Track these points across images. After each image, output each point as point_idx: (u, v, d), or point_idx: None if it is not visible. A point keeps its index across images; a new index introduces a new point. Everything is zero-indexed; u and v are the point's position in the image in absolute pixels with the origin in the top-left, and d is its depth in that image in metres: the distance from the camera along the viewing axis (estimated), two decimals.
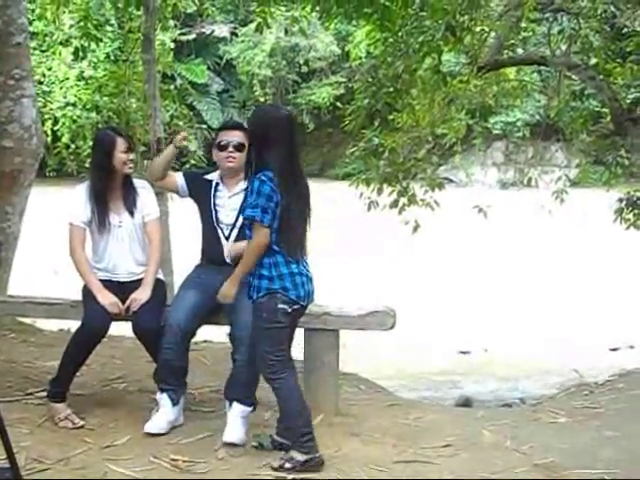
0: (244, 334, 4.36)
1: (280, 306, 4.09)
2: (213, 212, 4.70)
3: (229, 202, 4.70)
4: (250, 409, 4.47)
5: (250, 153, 4.15)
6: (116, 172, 4.68)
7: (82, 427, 4.55)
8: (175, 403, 4.57)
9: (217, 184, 4.73)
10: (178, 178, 4.84)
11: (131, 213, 4.71)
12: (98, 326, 4.54)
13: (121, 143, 4.68)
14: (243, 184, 4.67)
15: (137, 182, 4.86)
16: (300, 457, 4.11)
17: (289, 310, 4.12)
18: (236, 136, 4.65)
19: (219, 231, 4.69)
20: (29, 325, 6.68)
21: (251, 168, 4.11)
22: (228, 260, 4.60)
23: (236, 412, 4.43)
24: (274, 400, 4.32)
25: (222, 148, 4.67)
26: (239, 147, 4.62)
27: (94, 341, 4.58)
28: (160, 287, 4.78)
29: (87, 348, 4.60)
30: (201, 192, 4.76)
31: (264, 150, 4.05)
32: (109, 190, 4.71)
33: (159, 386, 4.58)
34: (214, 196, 4.71)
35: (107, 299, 4.55)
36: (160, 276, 4.89)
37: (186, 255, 5.22)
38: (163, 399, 4.56)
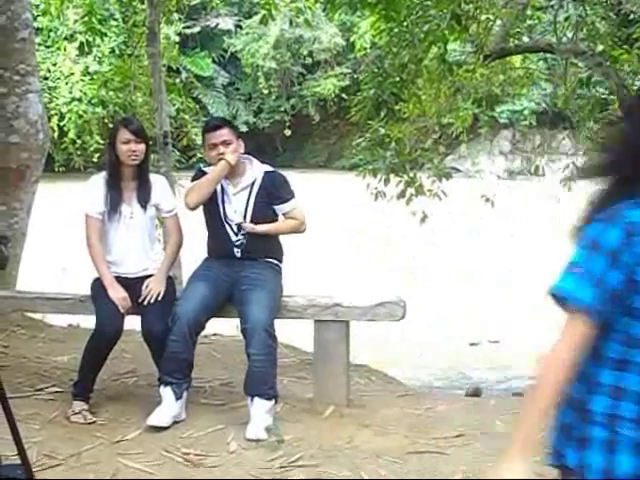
0: (255, 327, 4.33)
1: None
2: (221, 208, 4.68)
3: (235, 198, 4.69)
4: (272, 403, 4.42)
5: None
6: (121, 163, 4.65)
7: (94, 422, 4.54)
8: (178, 397, 4.50)
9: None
10: None
11: (143, 206, 4.68)
12: (111, 331, 4.52)
13: (123, 133, 4.61)
14: (246, 179, 4.67)
15: (154, 176, 4.84)
16: None
17: None
18: (223, 135, 4.65)
19: (227, 227, 4.67)
20: (38, 320, 6.68)
21: None
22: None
23: (258, 407, 4.38)
24: (286, 393, 4.28)
25: (212, 148, 4.66)
26: (226, 143, 4.63)
27: (109, 345, 4.58)
28: (169, 286, 4.72)
29: (103, 352, 4.60)
30: None
31: None
32: (121, 181, 4.68)
33: (163, 379, 4.52)
34: (222, 192, 4.69)
35: (118, 293, 4.54)
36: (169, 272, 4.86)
37: (195, 248, 5.19)
38: (166, 392, 4.49)
